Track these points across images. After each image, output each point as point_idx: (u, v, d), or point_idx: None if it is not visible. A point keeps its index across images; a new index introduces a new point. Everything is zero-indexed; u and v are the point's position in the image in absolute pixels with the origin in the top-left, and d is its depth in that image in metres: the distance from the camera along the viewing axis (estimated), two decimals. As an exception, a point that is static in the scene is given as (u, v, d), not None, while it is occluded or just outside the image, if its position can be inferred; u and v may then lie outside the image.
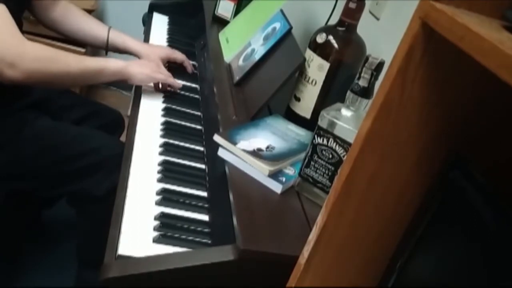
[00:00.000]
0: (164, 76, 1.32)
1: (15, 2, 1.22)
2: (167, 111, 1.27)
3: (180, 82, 1.37)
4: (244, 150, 0.97)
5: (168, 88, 1.35)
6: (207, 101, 1.33)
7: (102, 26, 1.50)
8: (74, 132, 1.36)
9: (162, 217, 0.92)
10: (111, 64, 1.25)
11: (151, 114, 1.24)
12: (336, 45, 1.10)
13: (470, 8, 0.47)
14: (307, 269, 0.60)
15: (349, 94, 0.88)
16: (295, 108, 1.18)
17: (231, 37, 1.51)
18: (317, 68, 1.11)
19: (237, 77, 1.29)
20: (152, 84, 1.34)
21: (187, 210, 0.96)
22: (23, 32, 1.40)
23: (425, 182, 0.59)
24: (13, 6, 1.18)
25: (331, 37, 1.10)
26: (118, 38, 1.48)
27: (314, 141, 0.91)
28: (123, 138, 1.50)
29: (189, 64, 1.50)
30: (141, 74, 1.28)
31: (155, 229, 0.89)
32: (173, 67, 1.47)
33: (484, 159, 0.54)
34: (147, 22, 1.80)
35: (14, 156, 1.26)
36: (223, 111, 1.15)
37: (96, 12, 2.35)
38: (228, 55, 1.42)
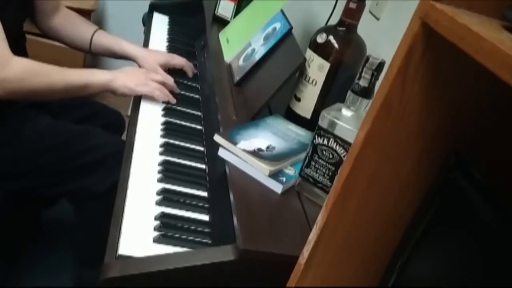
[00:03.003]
0: (148, 88, 1.27)
1: (15, 10, 1.22)
2: (167, 111, 1.27)
3: (172, 98, 1.30)
4: (245, 150, 0.97)
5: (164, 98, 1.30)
6: (207, 101, 1.33)
7: (101, 33, 1.48)
8: (74, 129, 1.36)
9: (162, 217, 0.92)
10: (96, 77, 1.24)
11: (151, 114, 1.24)
12: (336, 45, 1.10)
13: (470, 8, 0.47)
14: (307, 269, 0.60)
15: (349, 94, 0.88)
16: (295, 108, 1.18)
17: (231, 37, 1.51)
18: (318, 68, 1.11)
19: (237, 77, 1.29)
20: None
21: (187, 210, 0.96)
22: (24, 32, 1.40)
23: (425, 182, 0.59)
24: (13, 15, 1.18)
25: (331, 37, 1.10)
26: (115, 43, 1.46)
27: (314, 141, 0.91)
28: (123, 138, 1.50)
29: (189, 68, 1.46)
30: (124, 87, 1.25)
31: (155, 229, 0.89)
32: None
33: (484, 159, 0.54)
34: (147, 22, 1.80)
35: (15, 154, 1.27)
36: (223, 111, 1.15)
37: (96, 12, 2.35)
38: (228, 55, 1.42)
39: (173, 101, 1.30)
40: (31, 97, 1.22)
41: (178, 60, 1.45)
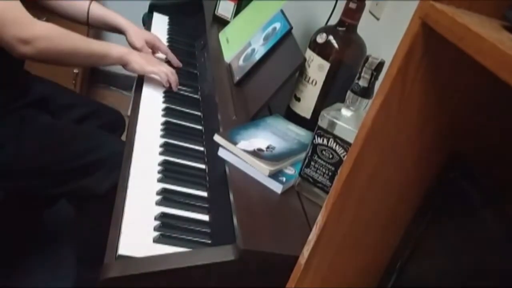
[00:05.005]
0: (157, 69, 1.33)
1: None
2: (167, 111, 1.27)
3: (175, 86, 1.36)
4: (244, 150, 0.97)
5: (167, 83, 1.35)
6: (207, 101, 1.33)
7: (96, 4, 1.50)
8: (74, 130, 1.36)
9: (162, 217, 0.92)
10: (115, 49, 1.31)
11: (151, 114, 1.24)
12: (336, 45, 1.10)
13: (470, 8, 0.47)
14: (307, 269, 0.60)
15: (349, 94, 0.88)
16: (295, 108, 1.18)
17: (231, 37, 1.51)
18: (317, 68, 1.11)
19: (237, 77, 1.29)
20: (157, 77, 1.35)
21: (187, 210, 0.96)
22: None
23: (425, 182, 0.59)
24: None
25: (331, 37, 1.10)
26: (108, 14, 1.50)
27: (314, 141, 0.91)
28: (123, 138, 1.50)
29: (173, 58, 1.50)
30: (136, 63, 1.31)
31: (155, 229, 0.89)
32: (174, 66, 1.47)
33: (484, 159, 0.54)
34: (147, 22, 1.80)
35: (14, 154, 1.27)
36: (223, 111, 1.15)
37: (96, 12, 2.34)
38: (228, 55, 1.42)
39: (175, 89, 1.36)
40: (58, 59, 1.26)
41: (164, 47, 1.50)
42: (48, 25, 1.21)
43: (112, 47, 1.31)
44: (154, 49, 1.48)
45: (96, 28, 1.56)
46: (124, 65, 1.32)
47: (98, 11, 1.49)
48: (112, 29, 1.51)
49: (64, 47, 1.23)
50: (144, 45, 1.44)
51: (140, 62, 1.32)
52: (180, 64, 1.50)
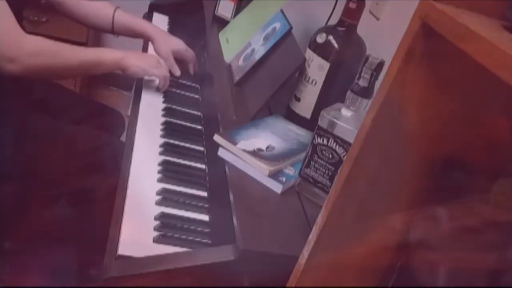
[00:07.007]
0: (159, 72, 1.30)
1: None
2: (167, 111, 1.27)
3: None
4: (244, 150, 0.97)
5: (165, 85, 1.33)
6: (207, 101, 1.33)
7: (116, 9, 1.47)
8: (74, 131, 1.36)
9: (162, 217, 0.92)
10: (109, 55, 1.26)
11: (151, 114, 1.24)
12: (336, 45, 1.10)
13: (470, 8, 0.47)
14: (307, 269, 0.60)
15: (349, 94, 0.88)
16: (295, 108, 1.18)
17: (231, 37, 1.51)
18: (317, 68, 1.11)
19: (237, 77, 1.29)
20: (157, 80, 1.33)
21: (187, 210, 0.96)
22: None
23: (425, 181, 0.59)
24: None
25: (331, 37, 1.10)
26: (134, 22, 1.46)
27: (314, 141, 0.91)
28: (123, 138, 1.50)
29: (194, 67, 1.48)
30: (136, 66, 1.27)
31: (155, 229, 0.89)
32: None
33: (483, 159, 0.54)
34: (147, 22, 1.79)
35: (14, 155, 1.27)
36: (223, 111, 1.15)
37: (96, 12, 2.34)
38: (228, 55, 1.42)
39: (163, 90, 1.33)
40: (46, 74, 1.22)
41: (190, 55, 1.45)
42: (36, 41, 1.17)
43: (106, 54, 1.25)
44: (181, 58, 1.44)
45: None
46: (123, 70, 1.27)
47: (123, 19, 1.45)
48: (139, 37, 1.47)
49: (53, 62, 1.18)
50: (170, 55, 1.39)
51: (141, 65, 1.27)
52: (195, 71, 1.49)
